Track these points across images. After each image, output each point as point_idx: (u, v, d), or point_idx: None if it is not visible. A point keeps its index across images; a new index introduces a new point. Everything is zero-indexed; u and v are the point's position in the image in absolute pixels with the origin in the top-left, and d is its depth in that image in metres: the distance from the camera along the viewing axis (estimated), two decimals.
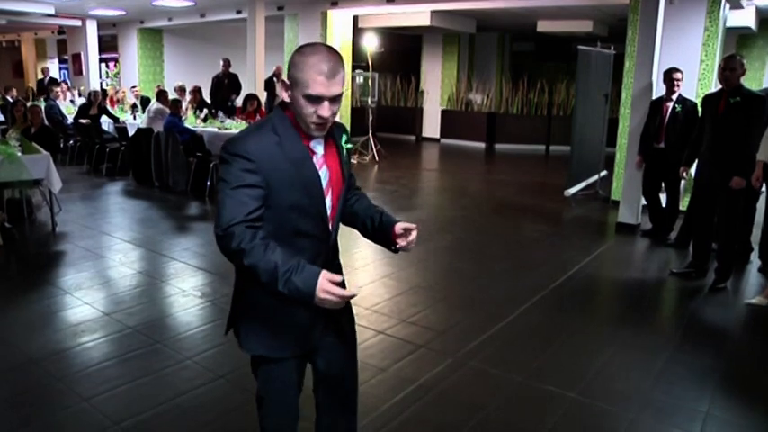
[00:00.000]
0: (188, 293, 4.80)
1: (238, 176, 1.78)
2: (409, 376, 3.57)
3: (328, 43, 10.79)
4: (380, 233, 2.14)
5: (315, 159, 1.91)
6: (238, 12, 11.91)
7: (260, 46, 10.12)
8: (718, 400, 3.48)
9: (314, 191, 1.91)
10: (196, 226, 7.06)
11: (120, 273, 5.26)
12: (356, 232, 2.18)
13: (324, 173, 1.93)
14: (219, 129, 8.71)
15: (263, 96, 10.30)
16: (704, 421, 3.24)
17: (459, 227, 7.36)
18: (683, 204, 7.06)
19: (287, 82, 1.82)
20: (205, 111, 9.83)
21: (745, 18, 8.39)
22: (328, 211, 1.97)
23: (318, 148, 1.92)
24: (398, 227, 2.08)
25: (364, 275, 5.36)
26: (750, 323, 4.70)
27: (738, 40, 10.01)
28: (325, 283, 1.68)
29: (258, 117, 9.17)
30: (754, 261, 5.96)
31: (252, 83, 10.14)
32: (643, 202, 7.07)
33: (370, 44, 11.64)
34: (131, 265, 5.48)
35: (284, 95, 1.84)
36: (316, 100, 1.78)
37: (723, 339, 4.41)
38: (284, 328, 1.99)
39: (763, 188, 5.45)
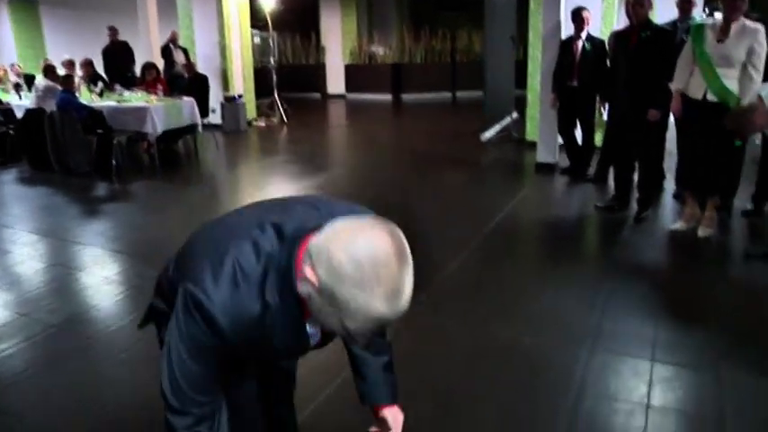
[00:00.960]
0: (111, 281, 4.50)
1: (196, 342, 1.34)
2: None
3: (224, 4, 10.31)
4: (366, 388, 1.79)
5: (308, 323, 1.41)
6: None
7: (152, 11, 9.55)
8: (662, 323, 3.60)
9: (293, 354, 1.59)
10: (106, 208, 6.63)
11: (30, 267, 4.83)
12: None
13: (315, 332, 1.47)
14: (119, 102, 8.18)
15: (160, 64, 9.75)
16: (653, 346, 3.34)
17: (380, 181, 7.29)
18: (598, 140, 7.23)
19: (318, 275, 1.19)
20: (100, 84, 9.21)
21: None
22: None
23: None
24: (387, 414, 1.76)
25: None
26: (676, 247, 4.91)
27: None
28: None
29: (159, 87, 8.67)
30: (668, 188, 6.21)
31: (147, 51, 9.58)
32: (559, 140, 7.20)
33: (268, 2, 11.20)
34: (42, 257, 5.05)
35: (311, 280, 1.21)
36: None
37: (655, 265, 4.58)
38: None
39: (671, 118, 5.61)
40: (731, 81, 4.58)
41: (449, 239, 5.12)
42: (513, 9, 9.39)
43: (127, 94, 8.51)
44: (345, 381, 2.49)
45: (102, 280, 4.51)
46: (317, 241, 1.22)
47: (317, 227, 1.26)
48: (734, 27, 4.57)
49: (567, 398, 2.90)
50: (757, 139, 5.32)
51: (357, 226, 1.22)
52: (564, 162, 7.24)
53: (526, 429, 2.71)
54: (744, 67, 4.53)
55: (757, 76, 4.51)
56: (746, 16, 4.71)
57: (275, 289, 1.30)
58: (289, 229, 1.34)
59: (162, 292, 1.64)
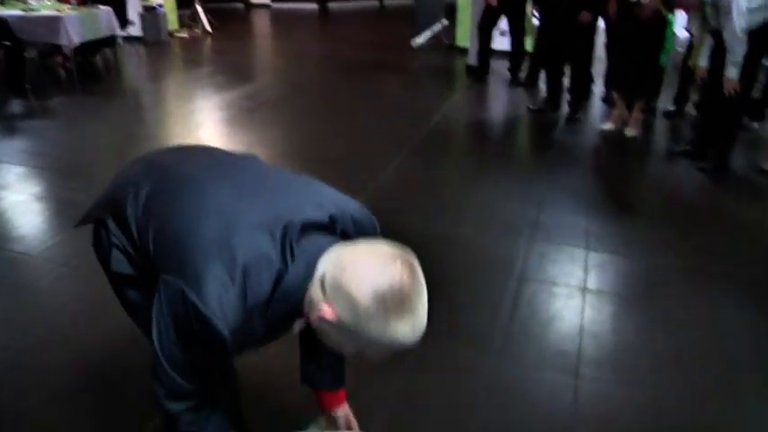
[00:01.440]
0: (40, 197, 4.31)
1: (190, 341, 1.28)
2: None
3: None
4: (319, 375, 1.77)
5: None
6: None
7: None
8: (594, 216, 3.79)
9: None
10: (24, 125, 6.23)
11: None
12: None
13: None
14: (25, 11, 7.59)
15: None
16: (587, 237, 3.52)
17: (313, 89, 7.16)
18: (528, 45, 7.28)
19: (336, 313, 1.19)
20: None
21: None
22: None
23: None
24: (340, 413, 1.79)
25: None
26: (605, 146, 5.10)
27: None
28: None
29: None
30: (597, 92, 6.37)
31: None
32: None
33: None
34: None
35: (328, 316, 1.20)
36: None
37: (586, 163, 4.77)
38: None
39: (600, 22, 5.69)
40: None
41: (386, 141, 5.13)
42: None
43: (34, 2, 7.90)
44: None
45: (29, 197, 4.33)
46: (332, 273, 1.20)
47: (328, 241, 1.28)
48: None
49: (509, 284, 3.05)
50: (679, 46, 5.48)
51: (374, 257, 1.20)
52: (495, 67, 7.27)
53: (471, 314, 2.84)
54: None
55: None
56: None
57: (282, 309, 1.28)
58: (295, 232, 1.28)
59: (118, 216, 1.59)
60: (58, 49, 7.49)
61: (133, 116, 6.22)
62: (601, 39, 6.36)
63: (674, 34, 5.64)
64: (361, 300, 1.15)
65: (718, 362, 2.52)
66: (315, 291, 1.22)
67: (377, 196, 4.05)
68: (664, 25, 4.84)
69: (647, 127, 5.43)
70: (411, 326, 1.19)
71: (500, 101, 6.62)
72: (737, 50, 4.05)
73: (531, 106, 5.95)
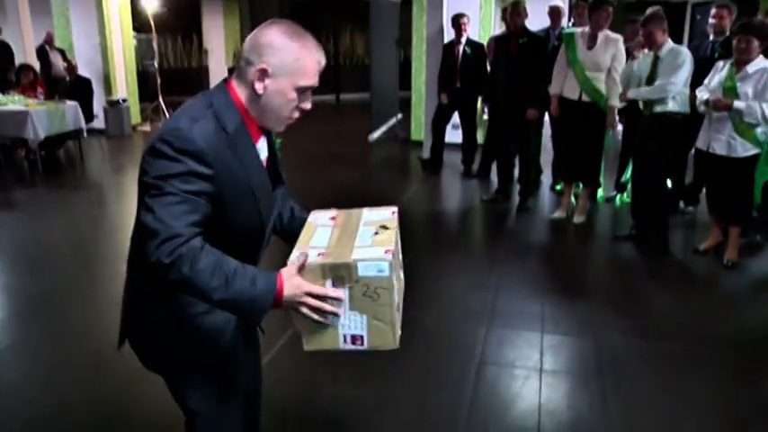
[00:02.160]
0: (12, 288, 4.38)
1: (186, 180, 1.41)
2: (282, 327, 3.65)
3: (104, 4, 10.03)
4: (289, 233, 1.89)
5: None
6: None
7: (24, 10, 9.14)
8: (548, 300, 4.04)
9: (264, 207, 1.63)
10: None
11: None
12: None
13: (263, 148, 1.66)
14: None
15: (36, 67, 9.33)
16: (542, 320, 3.76)
17: None
18: (480, 138, 7.74)
19: (266, 69, 1.49)
20: None
21: None
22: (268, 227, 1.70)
23: (263, 149, 1.65)
24: None
25: None
26: (556, 234, 5.43)
27: None
28: (299, 288, 1.46)
29: (39, 90, 8.34)
30: (545, 181, 6.79)
31: (20, 52, 9.15)
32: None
33: (150, 4, 10.97)
34: None
35: (258, 85, 1.51)
36: (305, 91, 1.56)
37: (539, 250, 5.07)
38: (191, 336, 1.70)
39: (546, 117, 6.18)
40: (600, 83, 5.18)
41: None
42: (396, 13, 9.80)
43: (1, 97, 8.10)
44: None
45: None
46: (247, 51, 1.53)
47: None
48: (600, 36, 5.17)
49: (470, 368, 3.24)
50: (619, 134, 5.97)
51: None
52: (448, 159, 7.68)
53: (434, 398, 3.01)
54: (608, 71, 5.12)
55: (618, 78, 5.11)
56: None
57: (227, 117, 1.52)
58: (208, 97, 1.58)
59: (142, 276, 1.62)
60: (23, 142, 7.63)
61: (96, 209, 6.36)
62: (548, 131, 6.85)
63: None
64: (274, 40, 1.50)
65: None
66: (244, 74, 1.53)
67: None
68: (604, 121, 5.29)
69: (593, 213, 5.82)
70: (316, 44, 1.55)
71: (454, 192, 6.98)
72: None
73: (483, 197, 6.31)
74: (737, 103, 4.22)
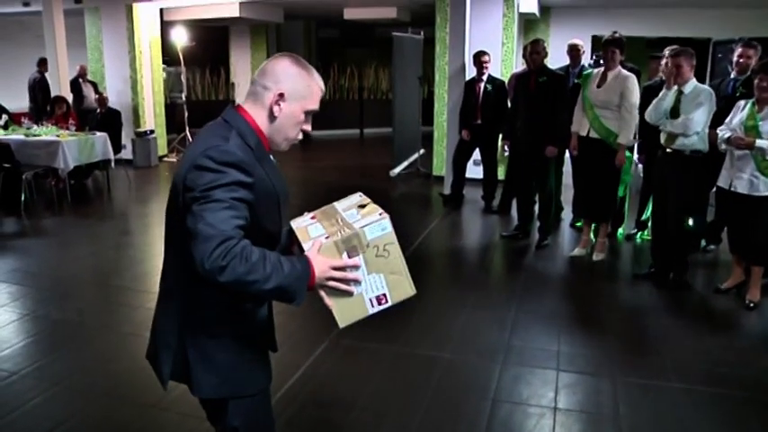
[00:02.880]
0: (36, 315, 4.48)
1: (231, 189, 1.56)
2: (292, 363, 3.69)
3: (136, 38, 10.34)
4: None
5: None
6: (26, 4, 10.92)
7: (61, 43, 9.43)
8: (564, 338, 4.03)
9: (284, 213, 1.84)
10: (19, 244, 6.50)
11: None
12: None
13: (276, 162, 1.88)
14: (27, 136, 8.03)
15: (70, 98, 9.60)
16: (558, 358, 3.74)
17: (295, 212, 7.46)
18: (500, 174, 7.78)
19: (283, 93, 1.69)
20: (5, 117, 8.98)
21: (530, 5, 9.33)
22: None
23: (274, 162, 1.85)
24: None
25: None
26: (575, 271, 5.41)
27: (525, 24, 11.09)
28: (326, 264, 1.64)
29: (71, 121, 8.58)
30: (566, 218, 6.79)
31: (56, 84, 9.44)
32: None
33: (180, 38, 11.26)
34: None
35: (275, 108, 1.70)
36: (310, 114, 1.77)
37: (557, 287, 5.05)
38: (254, 352, 1.86)
39: (567, 154, 6.20)
40: (609, 121, 5.22)
41: None
42: (419, 50, 9.95)
43: (35, 128, 8.35)
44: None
45: (19, 316, 4.46)
46: (262, 81, 1.73)
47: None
48: (610, 75, 5.23)
49: (484, 406, 3.23)
50: (640, 172, 5.97)
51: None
52: (469, 195, 7.73)
53: None
54: (618, 108, 5.16)
55: (629, 116, 5.17)
56: (623, 65, 5.37)
57: (248, 135, 1.70)
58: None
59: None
60: (52, 171, 7.83)
61: (122, 238, 6.47)
62: (569, 168, 6.87)
63: (633, 164, 6.15)
64: (289, 69, 1.72)
65: None
66: (261, 99, 1.72)
67: (360, 321, 4.25)
68: (614, 157, 5.30)
69: (613, 251, 5.80)
70: (318, 74, 1.77)
71: (475, 227, 7.01)
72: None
73: (503, 233, 6.32)
74: (760, 142, 4.22)
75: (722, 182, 4.57)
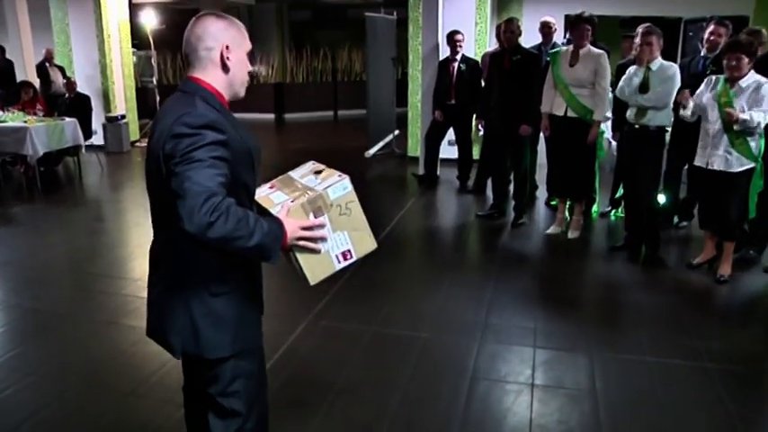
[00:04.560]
0: (9, 304, 4.40)
1: (210, 149, 1.64)
2: (271, 343, 3.68)
3: (104, 21, 10.12)
4: None
5: None
6: None
7: (25, 27, 9.22)
8: (541, 315, 4.07)
9: (257, 167, 1.90)
10: None
11: None
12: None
13: None
14: None
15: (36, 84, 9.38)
16: (535, 335, 3.78)
17: None
18: (475, 154, 7.79)
19: (228, 45, 1.80)
20: None
21: None
22: None
23: None
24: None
25: None
26: (551, 249, 5.45)
27: (499, 3, 11.05)
28: (295, 225, 1.77)
29: (38, 106, 8.40)
30: (541, 197, 6.84)
31: (21, 69, 9.22)
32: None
33: (149, 21, 11.06)
34: None
35: (227, 61, 1.80)
36: (250, 56, 1.89)
37: (533, 265, 5.09)
38: (253, 308, 1.97)
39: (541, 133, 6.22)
40: (585, 99, 5.24)
41: None
42: (392, 31, 9.89)
43: (1, 114, 8.15)
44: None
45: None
46: (200, 44, 1.80)
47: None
48: (582, 53, 5.24)
49: (463, 383, 3.26)
50: (613, 150, 6.01)
51: None
52: (444, 175, 7.74)
53: (428, 411, 3.03)
54: (593, 85, 5.18)
55: (603, 93, 5.21)
56: (594, 44, 5.39)
57: (210, 98, 1.79)
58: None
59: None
60: (21, 158, 7.68)
61: (94, 225, 6.38)
62: (543, 147, 6.90)
63: (606, 141, 6.20)
64: (217, 24, 1.81)
65: None
66: (210, 60, 1.81)
67: (338, 302, 4.28)
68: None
69: (588, 228, 5.85)
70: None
71: (450, 208, 7.02)
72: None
73: (479, 212, 6.34)
74: (743, 115, 4.27)
75: (699, 161, 4.61)
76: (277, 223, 1.73)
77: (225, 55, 1.80)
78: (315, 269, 1.87)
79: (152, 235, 1.93)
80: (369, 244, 1.96)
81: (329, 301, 4.29)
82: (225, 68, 1.82)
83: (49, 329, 3.97)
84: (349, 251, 1.91)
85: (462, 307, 4.22)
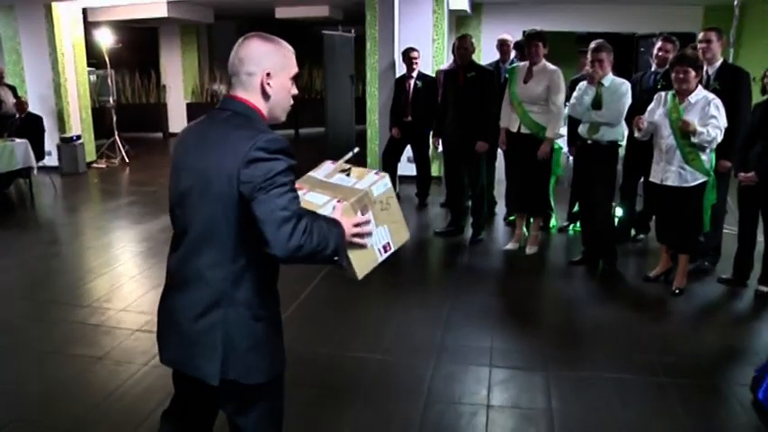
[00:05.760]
0: None
1: (287, 174, 1.73)
2: None
3: (57, 40, 9.91)
4: None
5: None
6: None
7: None
8: (497, 334, 4.03)
9: None
10: None
11: None
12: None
13: None
14: None
15: None
16: (491, 355, 3.74)
17: None
18: (434, 170, 7.78)
19: (269, 72, 1.81)
20: None
21: (460, 2, 9.36)
22: None
23: None
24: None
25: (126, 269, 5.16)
26: (509, 265, 5.44)
27: (457, 20, 11.15)
28: (349, 223, 1.89)
29: None
30: (499, 212, 6.84)
31: None
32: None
33: (105, 40, 10.87)
34: None
35: (267, 88, 1.83)
36: (294, 79, 1.90)
37: (491, 282, 5.07)
38: (281, 332, 2.00)
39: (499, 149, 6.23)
40: (537, 115, 5.28)
41: (299, 269, 5.27)
42: (350, 49, 9.89)
43: None
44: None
45: None
46: (242, 69, 1.83)
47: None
48: (536, 69, 5.28)
49: (416, 406, 3.19)
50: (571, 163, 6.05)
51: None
52: (404, 192, 7.71)
53: None
54: (546, 102, 5.22)
55: (556, 110, 5.22)
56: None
57: (261, 122, 1.84)
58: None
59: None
60: None
61: (48, 250, 6.18)
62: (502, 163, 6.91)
63: (564, 156, 6.23)
64: (262, 48, 1.83)
65: None
66: (247, 84, 1.84)
67: (294, 323, 4.18)
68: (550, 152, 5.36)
69: (546, 244, 5.86)
70: (283, 41, 1.89)
71: (409, 225, 6.95)
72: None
73: (436, 230, 6.30)
74: (700, 128, 4.30)
75: (654, 177, 4.64)
76: (337, 224, 1.83)
77: (265, 82, 1.82)
78: (362, 263, 1.99)
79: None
80: (404, 234, 2.13)
81: (285, 321, 4.17)
82: (265, 95, 1.84)
83: None
84: (389, 243, 2.06)
85: (418, 327, 4.17)
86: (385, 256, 2.05)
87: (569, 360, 3.68)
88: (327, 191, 2.02)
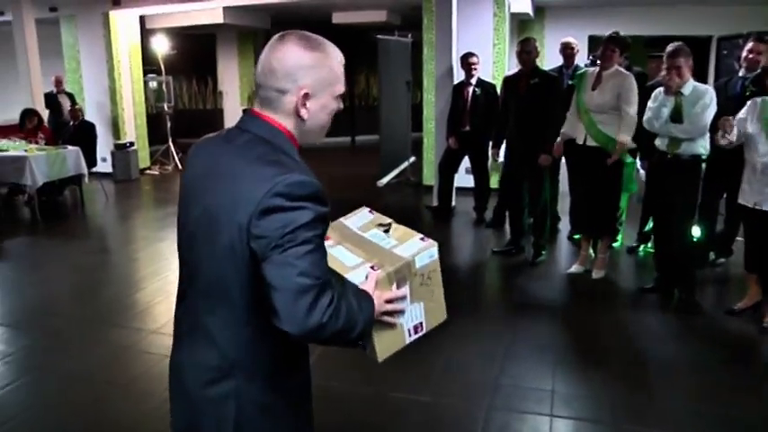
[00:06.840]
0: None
1: (314, 227, 1.32)
2: None
3: (114, 47, 9.92)
4: None
5: None
6: (0, 13, 10.48)
7: (33, 54, 8.99)
8: (560, 375, 3.56)
9: None
10: None
11: None
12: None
13: None
14: None
15: (44, 111, 9.13)
16: (552, 400, 3.29)
17: None
18: (493, 183, 7.32)
19: (308, 93, 1.40)
20: None
21: (523, 5, 8.93)
22: None
23: None
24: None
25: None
26: (573, 292, 4.93)
27: (519, 25, 10.68)
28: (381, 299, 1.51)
29: (40, 135, 8.15)
30: (563, 229, 6.33)
31: (28, 96, 8.99)
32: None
33: (161, 46, 10.84)
34: None
35: (303, 111, 1.41)
36: (340, 96, 1.48)
37: (553, 312, 4.55)
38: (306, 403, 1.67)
39: (563, 161, 5.74)
40: (607, 126, 4.75)
41: None
42: (407, 54, 9.53)
43: (3, 142, 7.91)
44: None
45: None
46: (274, 84, 1.40)
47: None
48: (605, 75, 4.76)
49: None
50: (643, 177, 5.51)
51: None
52: (461, 206, 7.29)
53: None
54: (616, 111, 4.71)
55: (628, 118, 4.68)
56: (629, 69, 4.92)
57: (290, 150, 1.42)
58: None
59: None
60: (22, 188, 7.46)
61: (95, 259, 6.04)
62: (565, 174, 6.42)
63: (637, 171, 5.69)
64: (303, 59, 1.39)
65: None
66: (282, 105, 1.41)
67: (327, 358, 3.80)
68: (620, 167, 4.85)
69: (614, 266, 5.33)
70: (331, 44, 1.45)
71: (464, 243, 6.53)
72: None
73: (494, 249, 5.85)
74: None
75: (745, 199, 4.10)
76: (369, 302, 1.46)
77: (300, 103, 1.41)
78: (386, 345, 1.61)
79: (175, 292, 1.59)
80: (440, 315, 1.72)
81: (319, 356, 3.82)
82: (299, 119, 1.43)
83: (42, 364, 3.67)
84: (421, 324, 1.67)
85: (471, 364, 3.73)
86: (414, 337, 1.65)
87: (641, 411, 3.19)
88: (360, 249, 1.65)
